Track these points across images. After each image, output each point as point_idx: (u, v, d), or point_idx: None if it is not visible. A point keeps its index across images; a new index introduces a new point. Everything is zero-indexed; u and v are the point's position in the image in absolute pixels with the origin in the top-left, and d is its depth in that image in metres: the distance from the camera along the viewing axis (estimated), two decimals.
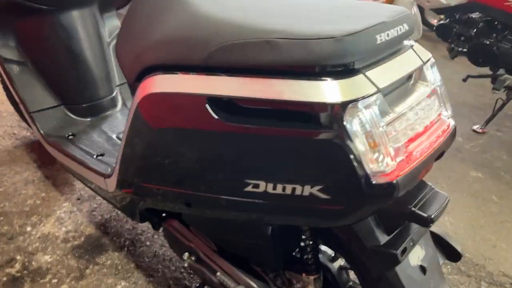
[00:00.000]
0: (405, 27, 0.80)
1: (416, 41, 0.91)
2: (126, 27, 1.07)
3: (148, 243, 1.56)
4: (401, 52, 0.82)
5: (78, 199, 1.75)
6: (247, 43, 0.76)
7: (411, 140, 0.77)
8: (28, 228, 1.60)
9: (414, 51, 0.85)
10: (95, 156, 1.40)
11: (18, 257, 1.48)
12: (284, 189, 0.77)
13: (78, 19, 1.56)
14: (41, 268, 1.44)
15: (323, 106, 0.70)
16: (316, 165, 0.74)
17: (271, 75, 0.75)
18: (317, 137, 0.72)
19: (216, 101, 0.81)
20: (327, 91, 0.70)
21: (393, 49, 0.80)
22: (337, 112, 0.69)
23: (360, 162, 0.70)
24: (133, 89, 1.01)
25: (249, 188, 0.81)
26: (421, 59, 0.84)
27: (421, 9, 3.05)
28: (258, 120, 0.78)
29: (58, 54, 1.58)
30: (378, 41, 0.74)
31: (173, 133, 0.90)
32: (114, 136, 1.54)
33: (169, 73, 0.89)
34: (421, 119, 0.80)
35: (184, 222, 1.15)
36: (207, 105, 0.81)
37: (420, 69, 0.83)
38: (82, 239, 1.57)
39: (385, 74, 0.75)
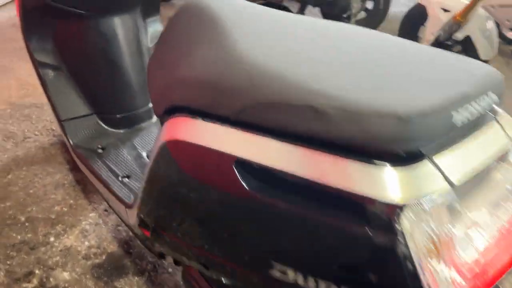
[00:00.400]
0: (492, 97, 0.63)
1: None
2: (161, 48, 0.95)
3: (170, 270, 1.47)
4: (481, 126, 0.65)
5: (106, 210, 1.69)
6: (290, 105, 0.61)
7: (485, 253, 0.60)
8: (52, 239, 1.55)
9: (500, 124, 0.67)
10: (120, 178, 1.31)
11: (37, 271, 1.43)
12: (317, 285, 0.63)
13: (118, 25, 1.47)
14: (58, 286, 1.38)
15: (375, 201, 0.55)
16: (358, 265, 0.60)
17: (315, 146, 0.61)
18: (364, 234, 0.57)
19: (246, 165, 0.67)
20: (382, 181, 0.55)
21: (472, 125, 0.63)
22: (392, 210, 0.54)
23: (415, 276, 0.54)
24: (160, 120, 0.90)
25: (275, 272, 0.67)
26: (508, 135, 0.66)
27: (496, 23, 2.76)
28: (292, 197, 0.64)
29: (95, 61, 1.49)
30: (455, 121, 0.57)
31: (196, 185, 0.78)
32: (144, 154, 1.45)
33: (197, 118, 0.76)
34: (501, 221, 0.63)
35: (205, 275, 1.03)
36: (235, 168, 0.68)
37: (507, 151, 0.65)
38: (104, 257, 1.50)
39: (459, 161, 0.58)
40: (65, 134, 1.48)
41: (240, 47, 0.74)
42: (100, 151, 1.46)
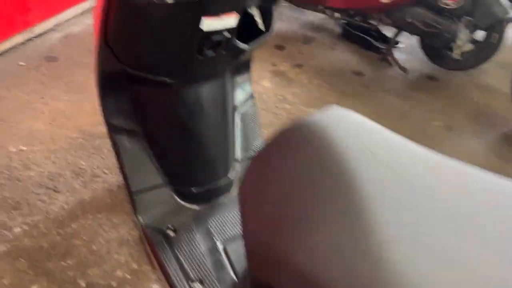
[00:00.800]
0: None
1: None
2: (259, 177, 0.72)
3: None
4: None
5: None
6: None
7: None
8: None
9: None
10: (190, 282, 1.12)
11: None
12: None
13: (204, 93, 1.26)
14: None
15: None
16: None
17: None
18: None
19: None
20: None
21: None
22: None
23: None
24: None
25: None
26: None
27: None
28: None
29: (174, 129, 1.31)
30: None
31: None
32: (220, 246, 1.24)
33: None
34: None
35: None
36: None
37: None
38: None
39: None
40: (135, 210, 1.31)
41: (380, 234, 0.50)
42: (171, 234, 1.28)
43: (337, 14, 3.07)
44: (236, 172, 1.45)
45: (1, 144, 2.04)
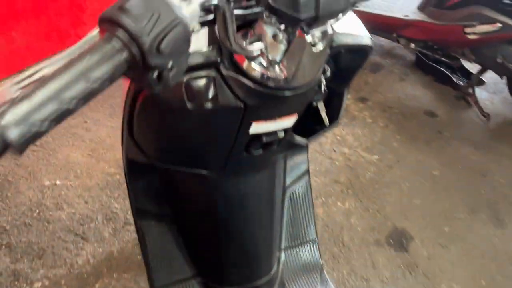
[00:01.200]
0: None
1: None
2: None
3: None
4: None
5: None
6: None
7: None
8: None
9: None
10: None
11: None
12: None
13: (248, 184, 1.03)
14: None
15: None
16: None
17: None
18: None
19: None
20: None
21: None
22: None
23: None
24: None
25: None
26: None
27: None
28: None
29: (208, 220, 1.08)
30: None
31: None
32: None
33: None
34: None
35: None
36: None
37: None
38: None
39: None
40: None
41: None
42: None
43: (412, 45, 2.72)
44: (278, 264, 1.22)
45: (36, 175, 1.93)
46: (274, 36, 0.62)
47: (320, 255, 1.28)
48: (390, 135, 2.47)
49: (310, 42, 0.63)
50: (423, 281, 1.72)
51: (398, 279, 1.72)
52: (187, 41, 0.46)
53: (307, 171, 1.28)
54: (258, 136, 0.82)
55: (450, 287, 1.71)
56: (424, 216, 1.99)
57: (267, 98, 0.71)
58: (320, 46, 0.64)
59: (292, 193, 1.25)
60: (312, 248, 1.28)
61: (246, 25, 0.65)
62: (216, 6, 0.52)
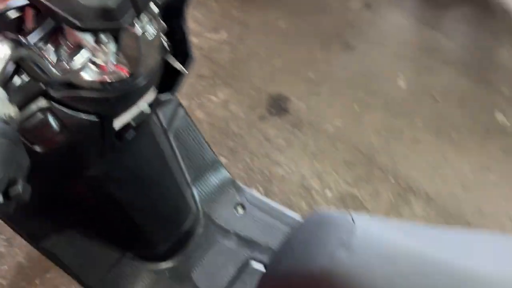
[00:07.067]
0: None
1: None
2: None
3: None
4: None
5: None
6: None
7: None
8: None
9: None
10: None
11: None
12: None
13: (132, 156, 0.96)
14: None
15: None
16: None
17: None
18: None
19: None
20: None
21: None
22: None
23: None
24: None
25: None
26: None
27: None
28: None
29: (113, 205, 1.02)
30: None
31: None
32: None
33: None
34: None
35: None
36: None
37: None
38: None
39: None
40: None
41: None
42: None
43: None
44: (195, 200, 1.24)
45: None
46: (96, 41, 0.51)
47: (227, 170, 1.31)
48: (227, 5, 2.39)
49: (141, 32, 0.53)
50: (311, 131, 1.90)
51: (292, 140, 1.87)
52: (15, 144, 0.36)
53: (179, 104, 1.22)
54: (126, 126, 0.74)
55: (334, 126, 1.91)
56: (289, 73, 2.09)
57: (121, 98, 0.61)
58: (152, 30, 0.54)
59: (175, 131, 1.20)
60: (216, 168, 1.30)
61: (52, 36, 0.52)
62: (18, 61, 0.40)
